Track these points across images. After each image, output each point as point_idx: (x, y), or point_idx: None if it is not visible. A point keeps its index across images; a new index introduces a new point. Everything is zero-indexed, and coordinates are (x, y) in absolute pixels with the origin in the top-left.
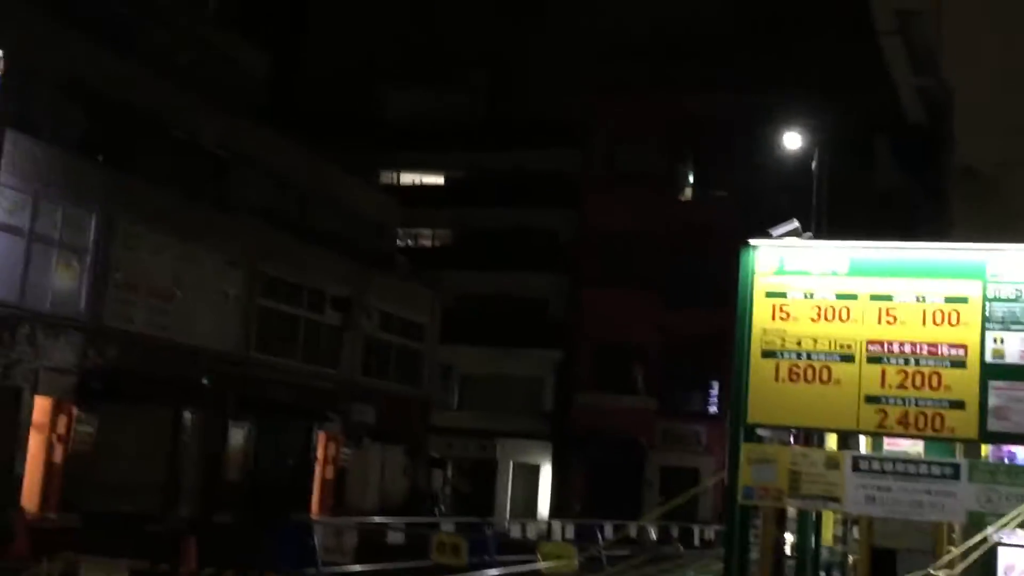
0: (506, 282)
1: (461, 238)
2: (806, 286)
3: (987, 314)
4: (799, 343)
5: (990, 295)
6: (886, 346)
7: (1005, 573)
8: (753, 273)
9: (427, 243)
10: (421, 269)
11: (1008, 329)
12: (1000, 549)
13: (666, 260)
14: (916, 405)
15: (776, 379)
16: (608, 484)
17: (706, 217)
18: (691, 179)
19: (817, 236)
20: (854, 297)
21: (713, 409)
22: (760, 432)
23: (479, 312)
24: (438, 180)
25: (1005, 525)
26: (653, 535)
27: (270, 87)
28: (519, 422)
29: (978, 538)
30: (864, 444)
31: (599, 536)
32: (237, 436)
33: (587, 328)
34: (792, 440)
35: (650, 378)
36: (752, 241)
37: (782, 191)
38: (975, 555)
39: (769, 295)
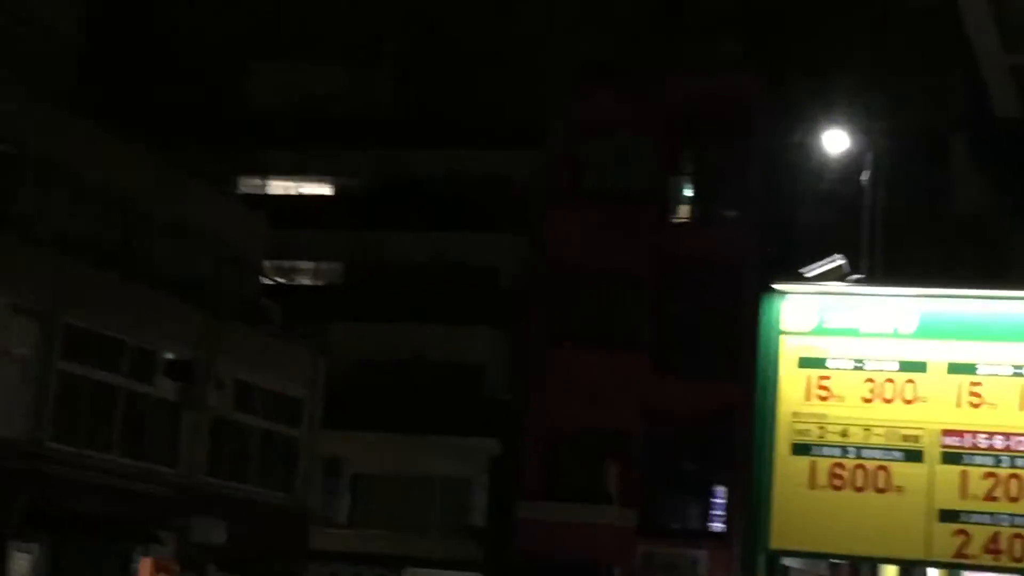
0: (424, 340)
1: (358, 275)
2: (855, 352)
3: None
4: (845, 433)
5: None
6: (969, 438)
7: None
8: (779, 332)
9: (308, 282)
10: (299, 320)
11: None
12: None
13: (655, 308)
14: (1012, 524)
15: (811, 485)
16: None
17: (711, 247)
18: (690, 194)
19: (870, 280)
20: (923, 368)
21: (718, 526)
22: (788, 562)
23: (383, 384)
24: (326, 190)
25: None
26: None
27: (90, 61)
28: (437, 544)
29: None
30: None
31: None
32: (22, 566)
33: (538, 407)
34: (834, 574)
35: (628, 480)
36: (777, 285)
37: (820, 214)
38: None
39: (803, 363)
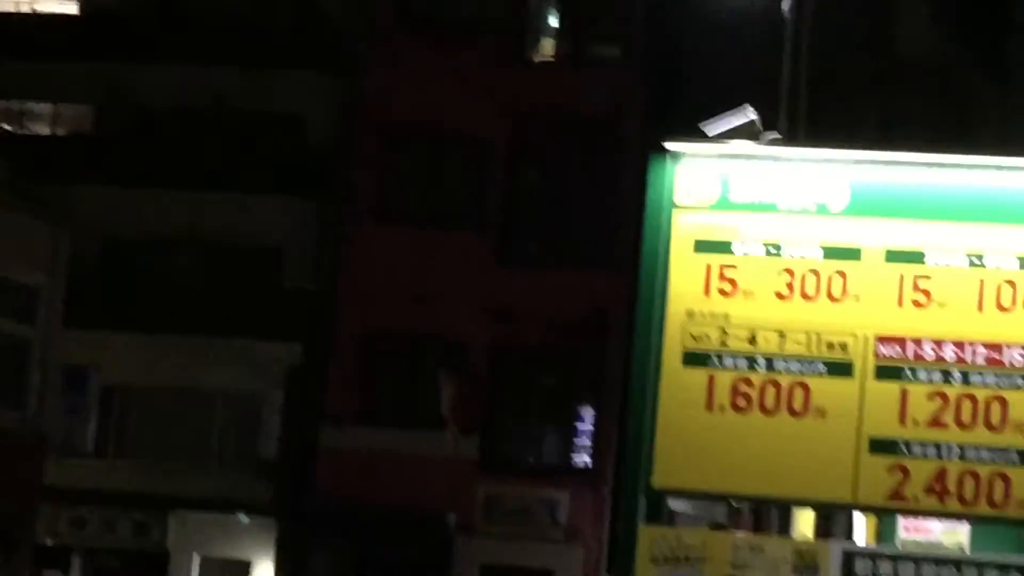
0: (202, 212)
1: (113, 123)
2: (769, 233)
3: None
4: (753, 340)
5: None
6: (912, 347)
7: None
8: (671, 206)
9: (46, 130)
10: (33, 181)
11: None
12: None
13: (505, 177)
14: (962, 458)
15: (708, 406)
16: None
17: (582, 96)
18: (555, 25)
19: (791, 139)
20: (856, 256)
21: (584, 461)
22: (675, 506)
23: (146, 269)
24: (70, 7)
25: None
26: None
27: None
28: (214, 480)
29: None
30: (865, 529)
31: None
32: None
33: (352, 304)
34: (734, 521)
35: (468, 401)
36: (669, 145)
37: (726, 53)
38: None
39: (702, 248)
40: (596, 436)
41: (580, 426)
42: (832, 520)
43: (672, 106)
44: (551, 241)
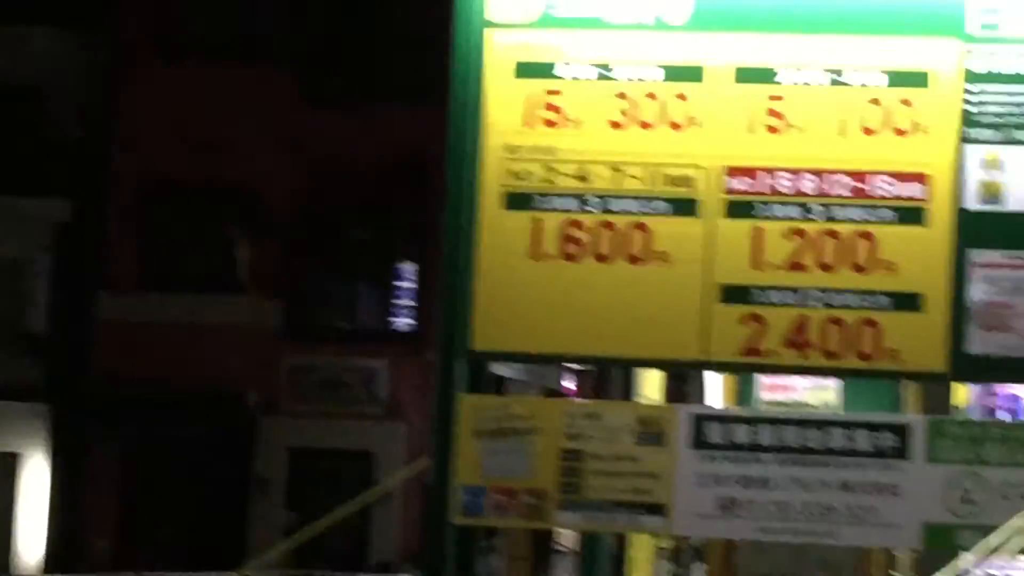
0: None
1: None
2: (600, 53)
3: (968, 110)
4: (584, 176)
5: (976, 69)
6: (766, 179)
7: None
8: (484, 24)
9: None
10: None
11: (1011, 141)
12: None
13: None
14: (825, 305)
15: (533, 254)
16: (177, 492)
17: None
18: None
19: None
20: (699, 76)
21: (406, 324)
22: (498, 370)
23: None
24: None
25: (998, 548)
26: None
27: None
28: None
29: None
30: (722, 392)
31: None
32: None
33: (129, 150)
34: (566, 385)
35: (268, 260)
36: None
37: None
38: None
39: (523, 72)
40: (419, 296)
41: (401, 286)
42: (684, 383)
43: None
44: (361, 74)
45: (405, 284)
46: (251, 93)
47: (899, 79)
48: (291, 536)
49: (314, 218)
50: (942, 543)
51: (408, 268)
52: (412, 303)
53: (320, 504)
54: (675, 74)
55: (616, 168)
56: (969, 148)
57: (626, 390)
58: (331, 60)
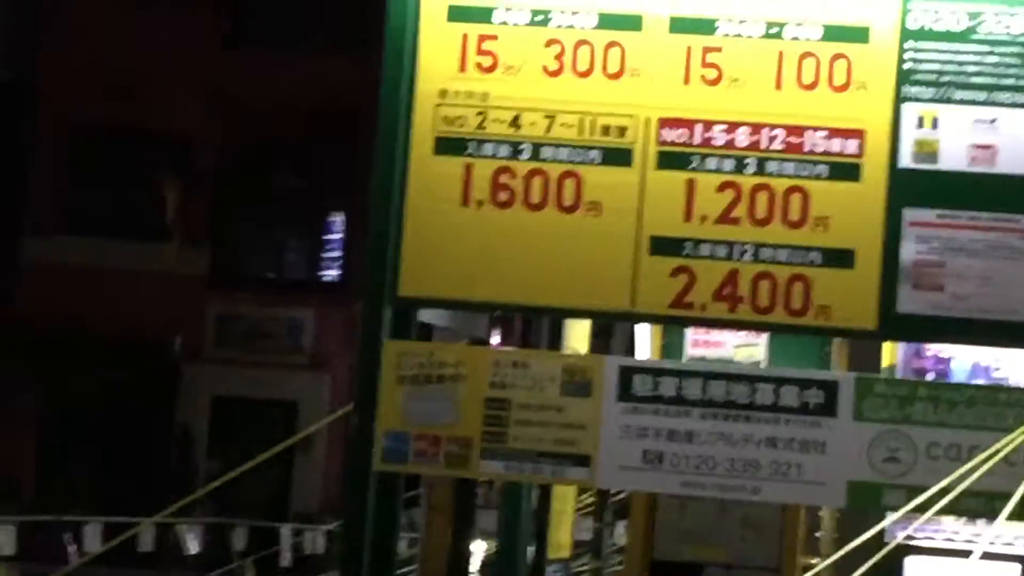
0: None
1: None
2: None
3: (905, 67)
4: (517, 123)
5: (911, 25)
6: (700, 131)
7: None
8: None
9: None
10: None
11: (948, 100)
12: (909, 560)
13: None
14: (756, 258)
15: (463, 201)
16: (100, 436)
17: None
18: None
19: None
20: (636, 25)
21: (333, 274)
22: (429, 318)
23: None
24: None
25: (925, 508)
26: (192, 545)
27: None
28: None
29: (869, 535)
30: (647, 342)
31: (72, 548)
32: None
33: (53, 92)
34: (493, 335)
35: (195, 207)
36: None
37: None
38: (862, 571)
39: (456, 16)
40: (347, 246)
41: (328, 235)
42: (611, 334)
43: None
44: (291, 15)
45: (333, 234)
46: (178, 37)
47: (838, 34)
48: (216, 477)
49: (243, 166)
50: (867, 502)
51: (336, 218)
52: (340, 253)
53: (242, 453)
54: (611, 22)
55: (550, 116)
56: (906, 106)
57: (554, 340)
58: (260, 3)
